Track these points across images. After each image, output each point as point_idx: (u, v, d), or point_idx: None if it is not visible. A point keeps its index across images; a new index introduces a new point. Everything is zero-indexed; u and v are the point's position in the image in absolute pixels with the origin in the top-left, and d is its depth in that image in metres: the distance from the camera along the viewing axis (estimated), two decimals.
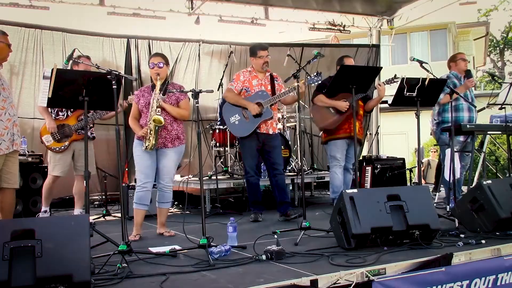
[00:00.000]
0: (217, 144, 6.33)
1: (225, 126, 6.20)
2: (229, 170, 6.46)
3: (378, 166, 6.83)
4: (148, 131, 4.10)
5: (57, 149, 5.02)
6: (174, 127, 4.26)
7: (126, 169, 6.78)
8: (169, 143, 4.25)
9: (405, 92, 4.28)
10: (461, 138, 5.44)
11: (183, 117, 4.33)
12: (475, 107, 5.45)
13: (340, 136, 5.32)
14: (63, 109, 5.11)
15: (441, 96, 5.02)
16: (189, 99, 4.36)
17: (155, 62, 4.20)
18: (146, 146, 4.14)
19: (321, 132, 5.65)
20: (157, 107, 4.10)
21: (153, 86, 4.26)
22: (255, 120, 4.89)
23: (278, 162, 5.02)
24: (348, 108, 5.07)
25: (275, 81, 5.05)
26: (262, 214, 5.07)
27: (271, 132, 4.98)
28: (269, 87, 4.98)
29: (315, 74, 4.73)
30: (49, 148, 5.05)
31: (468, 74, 5.51)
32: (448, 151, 5.19)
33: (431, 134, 6.31)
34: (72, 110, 5.12)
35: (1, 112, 3.82)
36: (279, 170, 5.01)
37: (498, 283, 3.16)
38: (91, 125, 5.31)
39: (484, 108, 6.26)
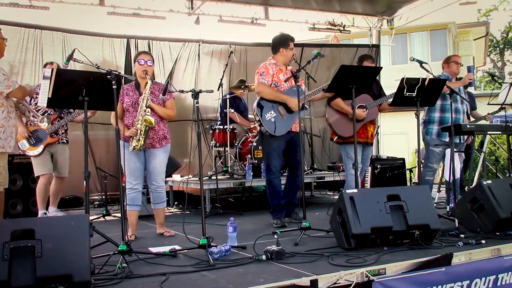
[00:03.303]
0: (217, 144, 6.33)
1: (225, 126, 6.21)
2: (229, 170, 6.46)
3: (378, 166, 6.82)
4: (138, 132, 4.05)
5: (32, 153, 5.05)
6: (161, 127, 4.23)
7: None
8: (157, 144, 4.22)
9: (405, 92, 4.28)
10: (446, 139, 5.33)
11: (170, 117, 4.32)
12: (465, 111, 5.47)
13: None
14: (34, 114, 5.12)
15: None
16: (174, 98, 4.35)
17: (145, 59, 4.17)
18: (134, 147, 4.08)
19: (333, 135, 5.46)
20: (146, 107, 4.06)
21: (137, 85, 4.22)
22: (291, 118, 4.68)
23: (300, 161, 4.75)
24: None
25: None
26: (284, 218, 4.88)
27: (298, 130, 4.72)
28: (293, 82, 4.70)
29: None
30: (25, 153, 5.07)
31: (468, 69, 5.45)
32: (448, 151, 5.18)
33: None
34: (43, 114, 5.15)
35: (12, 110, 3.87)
36: (299, 170, 4.76)
37: (499, 283, 3.16)
38: (64, 130, 5.30)
39: (503, 108, 5.94)
